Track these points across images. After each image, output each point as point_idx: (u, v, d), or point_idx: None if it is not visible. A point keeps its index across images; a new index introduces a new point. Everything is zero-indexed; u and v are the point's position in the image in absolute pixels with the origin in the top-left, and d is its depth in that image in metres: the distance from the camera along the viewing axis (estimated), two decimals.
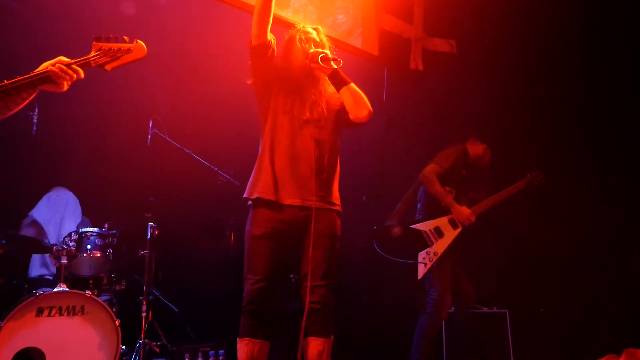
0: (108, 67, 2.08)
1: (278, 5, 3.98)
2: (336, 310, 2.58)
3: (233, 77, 3.34)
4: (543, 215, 4.95)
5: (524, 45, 5.08)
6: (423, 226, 3.85)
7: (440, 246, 3.80)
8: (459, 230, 3.88)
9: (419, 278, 3.74)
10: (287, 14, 4.01)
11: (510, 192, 4.05)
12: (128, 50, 2.09)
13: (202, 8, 4.13)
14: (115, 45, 2.07)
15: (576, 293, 4.70)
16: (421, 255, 3.78)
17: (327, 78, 2.66)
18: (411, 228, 3.87)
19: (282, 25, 4.08)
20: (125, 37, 2.10)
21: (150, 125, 4.10)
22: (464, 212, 3.85)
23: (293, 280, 4.17)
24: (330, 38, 4.33)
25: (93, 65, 2.05)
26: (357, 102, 2.59)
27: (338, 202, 2.66)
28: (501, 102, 5.16)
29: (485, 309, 4.39)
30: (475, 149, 4.08)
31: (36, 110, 3.66)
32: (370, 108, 2.62)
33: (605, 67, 4.88)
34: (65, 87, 2.01)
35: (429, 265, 3.75)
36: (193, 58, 4.43)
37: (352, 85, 2.62)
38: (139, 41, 2.12)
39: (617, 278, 4.62)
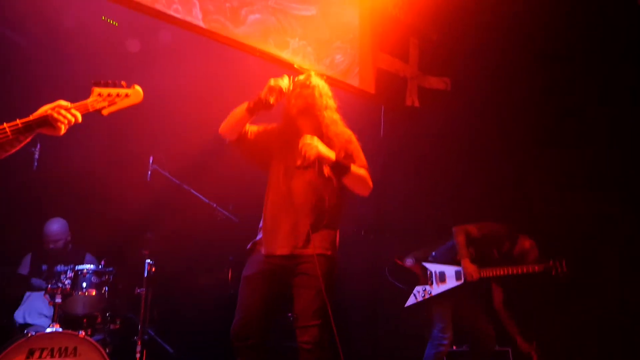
0: (105, 112, 2.11)
1: (277, 46, 4.11)
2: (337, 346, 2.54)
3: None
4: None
5: (517, 82, 5.19)
6: (432, 266, 4.17)
7: (436, 288, 4.08)
8: (460, 282, 4.07)
9: (405, 305, 4.16)
10: (286, 55, 4.11)
11: (524, 271, 4.08)
12: (125, 96, 2.12)
13: (204, 48, 4.21)
14: (113, 91, 2.10)
15: (577, 330, 4.67)
16: (417, 288, 4.14)
17: (327, 117, 2.70)
18: (422, 264, 4.21)
19: (281, 65, 4.19)
20: (123, 82, 2.13)
21: (151, 161, 4.12)
22: (470, 267, 4.03)
23: (291, 318, 4.15)
24: (328, 77, 4.49)
25: (91, 109, 2.07)
26: (358, 187, 2.66)
27: (330, 246, 2.60)
28: (495, 137, 5.24)
29: None
30: (524, 244, 4.18)
31: (38, 146, 3.67)
32: (371, 185, 2.67)
33: (602, 110, 4.96)
34: (63, 130, 2.02)
35: (418, 299, 4.11)
36: (194, 95, 4.49)
37: (353, 169, 2.61)
38: (137, 86, 2.15)
39: (615, 314, 4.60)
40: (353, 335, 4.77)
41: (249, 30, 3.85)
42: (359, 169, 2.63)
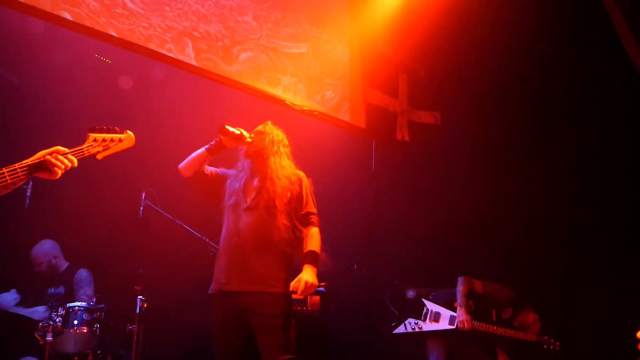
0: (99, 157, 2.19)
1: (269, 83, 4.21)
2: None
3: (227, 152, 3.44)
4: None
5: (506, 115, 5.30)
6: (430, 305, 4.28)
7: (426, 326, 4.19)
8: (451, 327, 4.13)
9: (394, 331, 4.30)
10: (277, 92, 4.20)
11: (517, 336, 4.11)
12: (119, 141, 2.20)
13: (196, 85, 4.30)
14: (107, 136, 2.18)
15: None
16: (410, 320, 4.26)
17: (274, 162, 2.92)
18: (422, 299, 4.32)
19: (273, 101, 4.28)
20: (117, 128, 2.21)
21: (143, 196, 4.14)
22: (465, 316, 4.09)
23: None
24: (319, 113, 4.59)
25: (86, 154, 2.14)
26: None
27: (279, 283, 2.72)
28: (485, 170, 5.30)
29: None
30: (527, 316, 4.24)
31: (30, 183, 3.70)
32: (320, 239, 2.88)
33: (594, 137, 5.03)
34: (59, 175, 2.07)
35: (407, 330, 4.24)
36: (186, 132, 4.55)
37: (317, 253, 2.86)
38: (129, 132, 2.26)
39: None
40: None
41: (241, 68, 3.95)
42: (317, 243, 2.84)
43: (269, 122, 3.06)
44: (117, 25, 3.28)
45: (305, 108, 4.42)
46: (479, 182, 5.22)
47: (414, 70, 5.47)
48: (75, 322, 3.65)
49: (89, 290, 4.13)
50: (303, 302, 4.45)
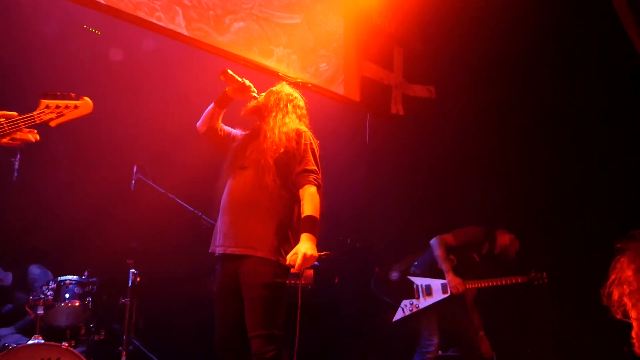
0: (52, 124, 2.09)
1: (262, 54, 4.13)
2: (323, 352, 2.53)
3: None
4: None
5: (501, 89, 5.26)
6: (417, 280, 4.18)
7: (423, 302, 4.10)
8: (446, 295, 4.09)
9: (392, 320, 4.14)
10: (270, 63, 4.12)
11: (508, 282, 4.12)
12: (74, 107, 2.11)
13: (189, 55, 4.21)
14: (61, 102, 2.08)
15: (562, 334, 4.70)
16: (405, 302, 4.14)
17: (273, 119, 2.71)
18: (408, 277, 4.21)
19: (266, 73, 4.20)
20: (72, 94, 2.12)
21: (135, 170, 4.09)
22: (456, 280, 4.05)
23: None
24: (313, 85, 4.52)
25: (38, 121, 2.05)
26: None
27: (263, 246, 2.49)
28: (480, 144, 5.29)
29: None
30: (503, 239, 4.27)
31: (18, 156, 3.63)
32: (319, 196, 2.54)
33: (587, 116, 5.03)
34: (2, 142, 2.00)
35: (406, 313, 4.11)
36: (178, 104, 4.48)
37: (314, 217, 2.49)
38: (86, 98, 2.15)
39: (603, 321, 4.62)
40: (340, 342, 4.76)
41: (233, 38, 3.86)
42: (314, 205, 2.49)
43: (285, 83, 2.91)
44: None
45: (299, 80, 4.34)
46: (472, 156, 5.20)
47: (409, 43, 5.39)
48: (67, 295, 3.62)
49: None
50: (297, 275, 4.45)
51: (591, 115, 5.00)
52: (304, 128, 2.73)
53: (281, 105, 2.73)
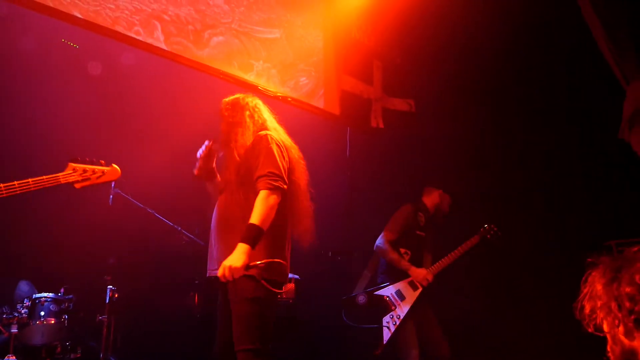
0: (77, 186, 2.22)
1: (241, 69, 4.14)
2: None
3: (196, 135, 3.37)
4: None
5: (480, 102, 5.34)
6: (385, 291, 4.00)
7: (402, 309, 3.92)
8: (419, 291, 3.99)
9: (384, 342, 3.85)
10: (250, 77, 4.13)
11: (465, 248, 4.11)
12: (102, 173, 2.23)
13: (168, 69, 4.20)
14: (89, 167, 2.22)
15: (540, 336, 4.73)
16: (385, 319, 3.93)
17: (226, 130, 2.71)
18: (374, 294, 4.01)
19: (246, 87, 4.20)
20: (102, 161, 2.22)
21: (113, 185, 4.05)
22: (421, 273, 3.96)
23: None
24: (293, 99, 4.54)
25: (62, 182, 2.18)
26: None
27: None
28: (459, 155, 5.36)
29: None
30: (432, 198, 4.25)
31: None
32: (273, 201, 2.47)
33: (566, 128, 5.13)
34: None
35: (392, 330, 3.88)
36: (157, 118, 4.47)
37: (259, 224, 2.42)
38: (114, 165, 2.26)
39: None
40: (318, 357, 4.73)
41: (213, 52, 3.87)
42: (257, 213, 2.41)
43: (225, 101, 2.80)
44: (82, 6, 3.16)
45: (279, 94, 4.36)
46: (453, 169, 5.26)
47: (389, 57, 5.45)
48: (42, 313, 3.57)
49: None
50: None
51: (572, 121, 5.08)
52: (263, 132, 2.65)
53: (238, 120, 2.68)
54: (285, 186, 2.52)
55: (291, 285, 4.47)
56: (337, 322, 4.88)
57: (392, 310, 3.93)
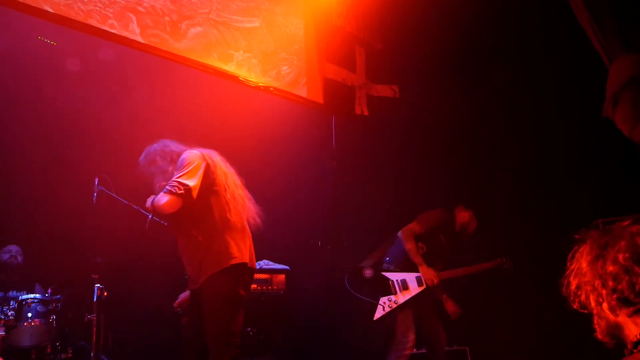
0: None
1: (221, 59, 4.08)
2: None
3: (181, 131, 3.34)
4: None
5: (464, 86, 5.32)
6: (393, 275, 4.10)
7: (401, 297, 4.02)
8: (422, 288, 4.07)
9: (374, 318, 3.99)
10: (230, 68, 4.07)
11: (479, 269, 4.23)
12: None
13: (143, 62, 4.13)
14: None
15: (536, 325, 4.76)
16: (383, 299, 4.02)
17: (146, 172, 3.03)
18: (381, 274, 4.10)
19: (227, 78, 4.15)
20: None
21: (96, 182, 3.99)
22: (430, 273, 4.06)
23: (251, 333, 4.12)
24: (275, 89, 4.50)
25: None
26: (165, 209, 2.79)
27: (207, 268, 2.75)
28: (444, 141, 5.35)
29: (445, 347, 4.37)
30: (462, 215, 4.31)
31: None
32: (163, 204, 2.75)
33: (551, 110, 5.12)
34: None
35: (386, 311, 3.99)
36: (137, 113, 4.40)
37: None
38: None
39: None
40: (310, 347, 4.74)
41: (191, 44, 3.81)
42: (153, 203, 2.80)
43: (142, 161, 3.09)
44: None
45: (261, 84, 4.31)
46: (438, 153, 5.25)
47: (371, 43, 5.41)
48: (29, 314, 3.53)
49: None
50: (268, 281, 4.42)
51: (558, 101, 5.08)
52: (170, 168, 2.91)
53: (163, 170, 2.93)
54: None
55: (281, 277, 4.47)
56: (328, 312, 4.89)
57: (391, 294, 4.02)
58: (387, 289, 4.05)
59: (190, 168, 2.73)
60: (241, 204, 2.92)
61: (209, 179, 2.80)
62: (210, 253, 2.74)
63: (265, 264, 4.42)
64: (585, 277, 1.36)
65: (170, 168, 2.87)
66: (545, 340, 4.67)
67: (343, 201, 5.15)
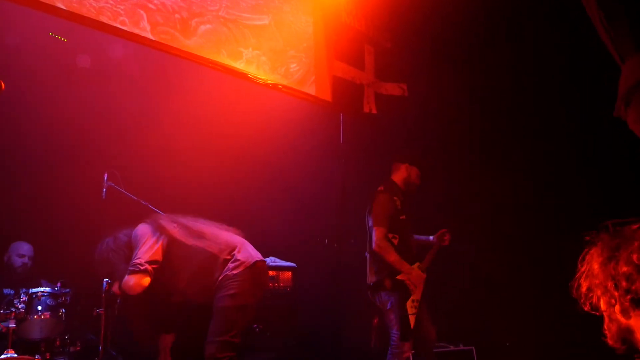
0: None
1: (230, 57, 4.10)
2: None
3: (189, 127, 3.37)
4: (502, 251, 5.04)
5: (472, 85, 5.31)
6: (404, 275, 3.81)
7: (417, 293, 3.85)
8: (424, 276, 3.96)
9: (411, 327, 3.73)
10: (240, 65, 4.09)
11: (438, 246, 4.13)
12: None
13: (157, 59, 4.16)
14: None
15: (541, 325, 4.75)
16: (409, 305, 3.79)
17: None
18: (397, 279, 3.82)
19: (236, 75, 4.17)
20: None
21: (106, 178, 4.02)
22: (416, 272, 3.87)
23: (257, 330, 4.14)
24: (284, 87, 4.51)
25: None
26: None
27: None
28: (453, 140, 5.34)
29: (451, 347, 4.38)
30: (399, 174, 4.15)
31: None
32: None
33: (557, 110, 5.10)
34: None
35: (416, 311, 3.81)
36: (147, 108, 4.43)
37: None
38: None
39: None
40: (316, 344, 4.76)
41: (201, 41, 3.83)
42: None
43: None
44: None
45: (269, 82, 4.33)
46: (446, 151, 5.25)
47: (379, 42, 5.41)
48: (39, 307, 3.55)
49: None
50: (275, 278, 4.44)
51: (567, 101, 5.06)
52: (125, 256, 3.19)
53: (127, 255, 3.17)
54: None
55: (288, 273, 4.49)
56: (334, 310, 4.91)
57: (411, 294, 3.80)
58: (407, 290, 3.80)
59: (143, 241, 3.05)
60: (214, 236, 3.22)
61: (170, 238, 3.13)
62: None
63: (272, 260, 4.44)
64: (596, 279, 1.34)
65: (126, 255, 3.16)
66: (555, 340, 4.66)
67: (350, 199, 5.16)
